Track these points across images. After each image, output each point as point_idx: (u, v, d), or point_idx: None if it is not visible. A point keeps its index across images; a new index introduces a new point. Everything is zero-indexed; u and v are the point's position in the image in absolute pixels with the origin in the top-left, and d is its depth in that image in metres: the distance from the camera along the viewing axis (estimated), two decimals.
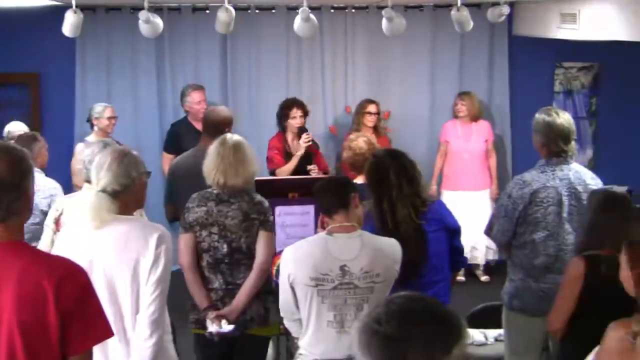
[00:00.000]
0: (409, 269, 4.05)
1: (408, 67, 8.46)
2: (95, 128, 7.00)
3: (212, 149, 4.47)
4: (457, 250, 4.52)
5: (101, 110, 7.04)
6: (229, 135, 4.56)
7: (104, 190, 3.44)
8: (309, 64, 8.34)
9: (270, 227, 4.40)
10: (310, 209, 5.15)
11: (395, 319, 1.82)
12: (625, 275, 3.23)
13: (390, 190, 4.23)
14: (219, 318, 4.28)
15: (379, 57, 8.41)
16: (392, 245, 3.89)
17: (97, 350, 2.61)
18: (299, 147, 6.99)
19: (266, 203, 4.42)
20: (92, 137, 6.67)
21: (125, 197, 3.49)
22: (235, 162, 4.36)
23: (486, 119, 8.27)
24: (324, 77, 8.44)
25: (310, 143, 7.05)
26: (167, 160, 6.84)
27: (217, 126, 5.48)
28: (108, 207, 3.37)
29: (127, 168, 3.50)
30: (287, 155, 7.08)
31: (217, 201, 4.37)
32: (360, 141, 5.37)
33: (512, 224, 4.65)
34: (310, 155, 7.05)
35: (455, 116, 8.19)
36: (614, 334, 3.04)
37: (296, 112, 7.20)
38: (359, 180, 5.08)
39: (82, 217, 3.40)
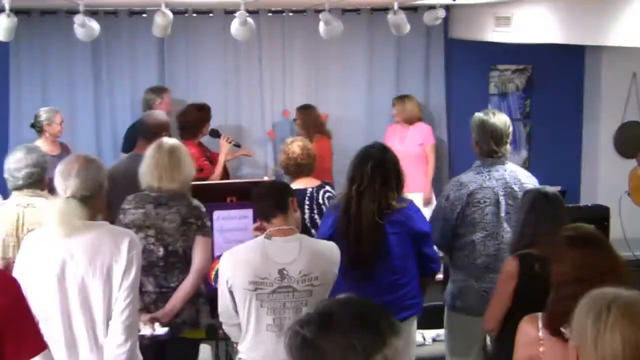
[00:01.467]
0: (361, 264, 4.13)
1: (345, 70, 8.44)
2: (47, 134, 6.80)
3: (148, 153, 4.43)
4: (426, 256, 4.48)
5: (51, 115, 6.85)
6: (164, 140, 4.51)
7: (73, 197, 3.39)
8: (247, 68, 8.28)
9: (207, 232, 4.37)
10: (249, 212, 5.08)
11: (315, 322, 1.83)
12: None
13: (362, 179, 4.23)
14: (152, 321, 4.23)
15: (317, 61, 8.39)
16: (330, 249, 3.88)
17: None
18: (222, 147, 6.99)
19: (203, 208, 4.38)
20: (40, 143, 6.42)
21: (93, 203, 3.46)
22: (171, 166, 4.33)
23: (427, 123, 8.27)
24: (262, 81, 8.39)
25: (232, 142, 7.07)
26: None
27: (153, 130, 5.42)
28: (78, 214, 3.33)
29: (95, 173, 3.48)
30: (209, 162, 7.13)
31: (156, 204, 4.33)
32: (295, 146, 5.31)
33: (451, 225, 4.66)
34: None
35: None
36: (524, 328, 3.10)
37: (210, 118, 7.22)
38: (297, 185, 5.08)
39: (48, 224, 3.35)
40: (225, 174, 7.17)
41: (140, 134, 5.61)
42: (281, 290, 3.67)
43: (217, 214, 5.05)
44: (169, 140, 4.52)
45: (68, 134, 7.56)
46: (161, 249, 4.32)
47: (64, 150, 6.67)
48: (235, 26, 6.17)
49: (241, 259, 3.75)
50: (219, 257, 4.05)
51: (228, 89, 8.33)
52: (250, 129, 8.37)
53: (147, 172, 4.38)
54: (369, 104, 8.61)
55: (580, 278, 2.83)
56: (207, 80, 8.24)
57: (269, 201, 3.81)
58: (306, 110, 7.69)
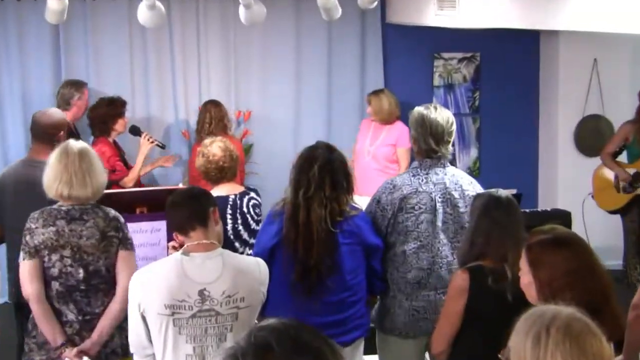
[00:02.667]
0: (309, 277, 4.20)
1: (270, 61, 8.43)
2: None
3: (54, 157, 4.39)
4: (374, 271, 4.55)
5: None
6: (72, 142, 4.47)
7: None
8: (157, 60, 8.20)
9: (130, 245, 4.39)
10: (162, 225, 5.08)
11: (250, 354, 1.81)
12: (527, 281, 3.25)
13: (309, 184, 4.30)
14: (79, 355, 4.21)
15: (237, 51, 8.35)
16: (257, 265, 3.91)
17: None
18: (142, 147, 7.06)
19: (122, 218, 4.40)
20: None
21: None
22: (82, 171, 4.30)
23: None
24: (175, 75, 8.31)
25: (154, 141, 7.13)
26: None
27: (48, 132, 5.38)
28: None
29: None
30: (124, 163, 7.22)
31: (68, 219, 4.29)
32: (215, 147, 5.31)
33: (380, 233, 4.65)
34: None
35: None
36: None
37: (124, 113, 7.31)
38: (217, 191, 5.10)
39: None
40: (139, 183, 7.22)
41: (33, 136, 5.54)
42: (202, 314, 3.66)
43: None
44: (77, 143, 4.47)
45: None
46: (80, 271, 4.30)
47: None
48: (142, 11, 6.08)
49: (154, 279, 3.72)
50: None
51: (135, 83, 8.20)
52: (162, 128, 8.28)
53: (54, 179, 4.32)
54: (297, 99, 8.61)
55: (571, 283, 2.98)
56: (111, 73, 8.12)
57: (185, 211, 3.79)
58: (209, 105, 7.64)
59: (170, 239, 4.66)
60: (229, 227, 5.12)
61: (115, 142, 7.19)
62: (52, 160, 4.37)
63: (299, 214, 4.31)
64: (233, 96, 8.22)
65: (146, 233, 5.10)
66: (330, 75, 8.57)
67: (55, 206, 4.34)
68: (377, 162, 7.86)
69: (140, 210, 5.20)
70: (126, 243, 4.36)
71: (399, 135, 7.87)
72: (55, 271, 4.29)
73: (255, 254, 4.36)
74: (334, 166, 4.35)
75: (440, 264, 4.62)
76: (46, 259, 4.28)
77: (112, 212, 4.38)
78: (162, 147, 7.51)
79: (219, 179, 5.28)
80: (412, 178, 4.63)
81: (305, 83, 8.58)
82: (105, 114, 7.14)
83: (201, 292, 3.68)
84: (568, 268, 3.06)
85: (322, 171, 4.31)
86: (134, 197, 5.45)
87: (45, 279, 4.29)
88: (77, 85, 7.43)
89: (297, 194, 4.31)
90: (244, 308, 3.74)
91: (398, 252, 4.65)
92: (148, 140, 7.21)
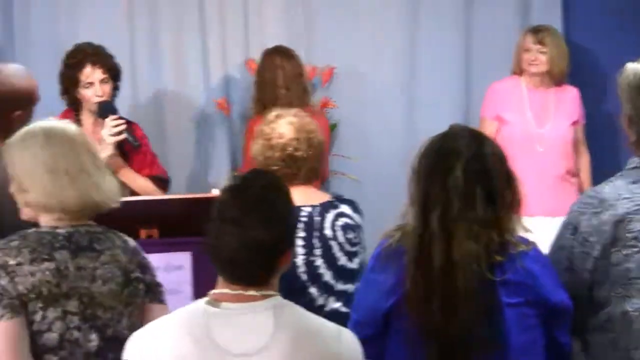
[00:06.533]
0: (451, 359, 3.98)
1: None
2: None
3: (30, 152, 4.17)
4: (559, 348, 4.22)
5: None
6: (54, 125, 4.27)
7: None
8: None
9: (162, 294, 4.24)
10: (185, 258, 5.06)
11: None
12: None
13: (448, 199, 3.95)
14: None
15: None
16: (338, 336, 3.58)
17: None
18: (103, 142, 6.27)
19: (142, 249, 4.26)
20: None
21: None
22: (92, 168, 4.23)
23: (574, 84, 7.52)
24: (203, 10, 7.76)
25: (122, 132, 6.32)
26: None
27: (5, 104, 5.22)
28: None
29: None
30: None
31: (73, 249, 4.06)
32: (283, 124, 5.11)
33: (582, 281, 4.32)
34: (126, 156, 6.52)
35: (519, 70, 7.32)
36: None
37: (92, 73, 6.40)
38: None
39: None
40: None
41: None
42: None
43: None
44: (65, 125, 4.29)
45: None
46: (93, 336, 4.05)
47: None
48: None
49: (162, 347, 3.54)
50: None
51: (135, 27, 7.82)
52: (185, 96, 7.82)
53: (40, 183, 4.10)
54: (412, 50, 7.81)
55: None
56: (101, 11, 7.70)
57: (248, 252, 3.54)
58: (278, 57, 7.26)
59: (202, 280, 4.81)
60: (299, 259, 4.89)
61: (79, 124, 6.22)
62: (27, 155, 4.19)
63: (432, 253, 3.95)
64: (302, 43, 7.58)
65: (158, 272, 4.71)
66: (470, 12, 7.83)
67: (44, 228, 4.08)
68: (556, 155, 7.37)
69: (147, 234, 5.11)
70: (157, 292, 4.22)
71: (577, 105, 7.46)
72: (53, 338, 3.98)
73: (355, 324, 4.05)
74: (488, 166, 3.99)
75: None
76: (37, 316, 3.96)
77: (130, 240, 4.26)
78: (135, 146, 6.69)
79: (288, 179, 4.84)
80: (632, 186, 4.33)
81: (425, 23, 7.88)
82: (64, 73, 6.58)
83: None
84: None
85: (470, 176, 3.95)
86: (139, 212, 5.25)
87: (34, 351, 3.95)
88: None
89: (428, 218, 3.97)
90: None
91: (614, 314, 4.27)
92: (112, 127, 6.33)
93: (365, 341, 3.76)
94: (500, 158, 4.06)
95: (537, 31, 7.43)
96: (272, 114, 5.22)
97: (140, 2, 7.85)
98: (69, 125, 4.33)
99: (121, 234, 4.27)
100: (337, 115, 7.74)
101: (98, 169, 4.26)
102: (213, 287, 3.65)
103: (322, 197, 5.11)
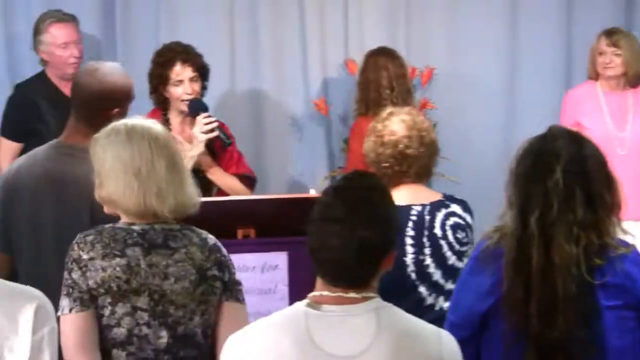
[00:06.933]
0: None
1: None
2: None
3: (111, 149, 4.20)
4: None
5: None
6: (139, 123, 4.28)
7: None
8: None
9: (240, 293, 4.23)
10: (281, 258, 5.12)
11: None
12: None
13: (548, 201, 3.93)
14: None
15: None
16: (438, 338, 3.55)
17: None
18: (195, 140, 6.34)
19: (223, 248, 4.23)
20: None
21: None
22: (166, 172, 4.22)
23: None
24: (303, 10, 7.88)
25: (214, 130, 6.33)
26: (8, 156, 6.74)
27: (99, 103, 5.10)
28: None
29: None
30: None
31: (146, 246, 4.14)
32: (395, 122, 5.12)
33: None
34: (214, 155, 6.54)
35: (594, 75, 7.33)
36: None
37: (182, 70, 6.42)
38: (395, 198, 4.47)
39: None
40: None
41: (74, 110, 5.19)
42: None
43: None
44: (151, 125, 4.28)
45: None
46: (164, 333, 4.10)
47: None
48: None
49: (261, 348, 3.53)
50: None
51: (235, 27, 7.88)
52: (281, 96, 7.87)
53: (120, 184, 4.14)
54: (512, 50, 7.89)
55: None
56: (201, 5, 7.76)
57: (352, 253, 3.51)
58: (382, 58, 7.27)
59: (297, 280, 4.91)
60: (409, 258, 4.94)
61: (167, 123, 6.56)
62: (109, 155, 4.23)
63: (530, 255, 3.96)
64: (402, 44, 7.68)
65: (254, 272, 5.11)
66: (571, 11, 7.87)
67: (120, 224, 4.15)
68: (638, 157, 7.45)
69: (244, 233, 5.16)
70: (235, 290, 4.20)
71: None
72: (121, 333, 4.08)
73: (452, 326, 4.02)
74: (587, 168, 3.99)
75: None
76: (106, 311, 4.08)
77: (210, 237, 4.24)
78: (226, 144, 6.67)
79: (399, 176, 5.02)
80: None
81: (526, 24, 7.97)
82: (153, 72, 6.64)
83: None
84: None
85: (569, 178, 3.95)
86: (235, 211, 5.38)
87: (103, 345, 4.05)
88: (58, 20, 7.18)
89: (526, 220, 3.97)
90: None
91: None
92: (205, 124, 6.35)
93: (461, 342, 3.72)
94: (599, 160, 4.05)
95: (611, 34, 7.42)
96: (385, 111, 5.25)
97: (240, 3, 7.90)
98: (154, 125, 4.40)
99: (200, 231, 4.33)
100: (435, 116, 7.75)
101: (177, 172, 4.33)
102: (308, 287, 3.63)
103: (433, 196, 5.15)
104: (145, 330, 4.17)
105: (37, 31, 7.14)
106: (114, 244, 4.18)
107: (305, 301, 3.54)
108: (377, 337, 3.48)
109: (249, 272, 5.16)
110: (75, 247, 4.19)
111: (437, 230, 5.05)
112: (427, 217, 5.08)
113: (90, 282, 4.13)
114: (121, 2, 8.00)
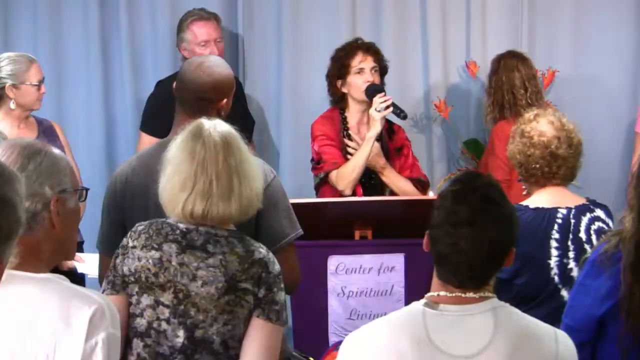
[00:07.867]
0: None
1: None
2: (11, 104, 6.57)
3: (177, 149, 4.31)
4: None
5: (21, 68, 6.60)
6: (207, 124, 4.34)
7: None
8: None
9: (277, 313, 4.16)
10: (398, 260, 5.10)
11: None
12: None
13: None
14: None
15: None
16: (554, 338, 3.54)
17: None
18: (372, 120, 6.39)
19: (276, 264, 4.16)
20: None
21: (31, 237, 3.33)
22: (227, 174, 4.22)
23: None
24: (425, 11, 7.77)
25: (389, 107, 6.36)
26: None
27: (210, 96, 5.14)
28: None
29: (35, 179, 3.37)
30: (346, 154, 6.67)
31: (183, 245, 4.17)
32: (543, 123, 5.10)
33: None
34: (388, 158, 6.66)
35: None
36: None
37: (363, 59, 6.56)
38: (537, 200, 5.01)
39: None
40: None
41: (179, 104, 5.22)
42: None
43: (334, 260, 5.16)
44: (216, 125, 4.34)
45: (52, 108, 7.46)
46: (181, 332, 4.14)
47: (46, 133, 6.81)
48: None
49: (379, 348, 3.52)
50: (337, 345, 4.20)
51: (356, 26, 7.88)
52: (402, 97, 7.54)
53: (182, 186, 4.20)
54: (635, 54, 7.73)
55: None
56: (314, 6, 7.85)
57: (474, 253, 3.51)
58: (513, 59, 7.20)
59: (413, 282, 4.93)
60: (553, 261, 4.99)
61: (344, 121, 6.73)
62: (175, 155, 4.32)
63: None
64: (524, 45, 7.60)
65: (370, 274, 5.05)
66: None
67: (171, 220, 4.20)
68: None
69: (361, 234, 5.13)
70: (269, 309, 4.14)
71: None
72: (142, 324, 4.19)
73: (568, 329, 3.94)
74: None
75: None
76: (133, 299, 4.19)
77: (261, 251, 4.20)
78: (403, 117, 6.70)
79: (547, 178, 5.07)
80: None
81: None
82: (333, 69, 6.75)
83: None
84: None
85: None
86: (352, 211, 5.36)
87: (128, 333, 4.18)
88: (200, 18, 7.42)
89: None
90: None
91: None
92: (382, 103, 6.34)
93: (577, 346, 3.74)
94: None
95: None
96: (531, 113, 5.26)
97: (363, 4, 7.91)
98: (227, 129, 4.43)
99: (252, 242, 4.31)
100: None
101: (240, 177, 4.31)
102: (424, 290, 3.65)
103: (577, 199, 5.15)
104: (164, 325, 4.23)
105: (179, 29, 7.34)
106: (155, 237, 4.28)
107: (422, 301, 3.54)
108: (494, 337, 3.50)
109: (365, 273, 5.22)
110: (128, 234, 4.33)
111: (582, 235, 5.07)
112: (573, 221, 5.09)
113: (125, 269, 4.25)
114: (244, 1, 8.13)
